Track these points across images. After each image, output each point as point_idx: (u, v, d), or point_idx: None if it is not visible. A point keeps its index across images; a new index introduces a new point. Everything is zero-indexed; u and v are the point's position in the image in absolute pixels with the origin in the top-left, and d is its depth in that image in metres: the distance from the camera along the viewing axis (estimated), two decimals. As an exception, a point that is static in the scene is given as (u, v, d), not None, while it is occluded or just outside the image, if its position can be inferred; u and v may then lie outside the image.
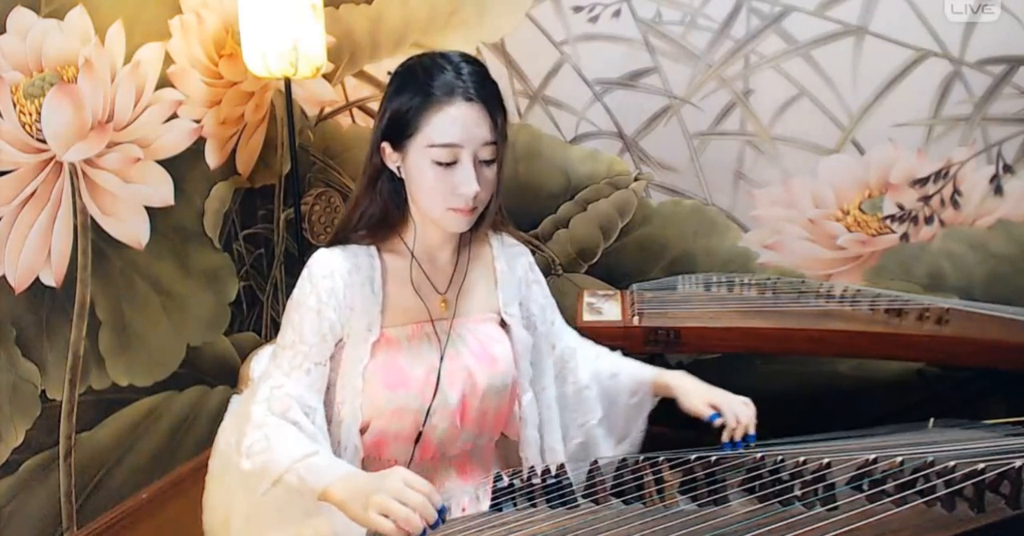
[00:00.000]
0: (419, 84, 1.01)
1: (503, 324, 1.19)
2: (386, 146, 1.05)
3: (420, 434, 1.10)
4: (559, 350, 1.27)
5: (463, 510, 1.12)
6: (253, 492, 1.03)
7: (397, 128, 1.03)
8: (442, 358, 1.10)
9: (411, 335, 1.11)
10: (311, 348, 1.06)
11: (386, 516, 0.84)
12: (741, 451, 1.04)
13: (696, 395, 1.16)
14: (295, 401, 1.05)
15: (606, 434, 1.26)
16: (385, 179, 1.09)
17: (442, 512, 0.86)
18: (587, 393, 1.25)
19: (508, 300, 1.19)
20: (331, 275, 1.06)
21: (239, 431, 1.08)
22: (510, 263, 1.21)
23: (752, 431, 1.10)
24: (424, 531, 0.84)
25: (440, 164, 1.01)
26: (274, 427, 1.02)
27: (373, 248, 1.11)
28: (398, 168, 1.06)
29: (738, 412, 1.11)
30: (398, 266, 1.12)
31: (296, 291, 1.09)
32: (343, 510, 0.91)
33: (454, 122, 0.99)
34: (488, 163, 1.03)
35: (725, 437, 1.10)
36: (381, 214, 1.10)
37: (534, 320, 1.24)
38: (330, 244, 1.11)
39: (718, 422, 1.11)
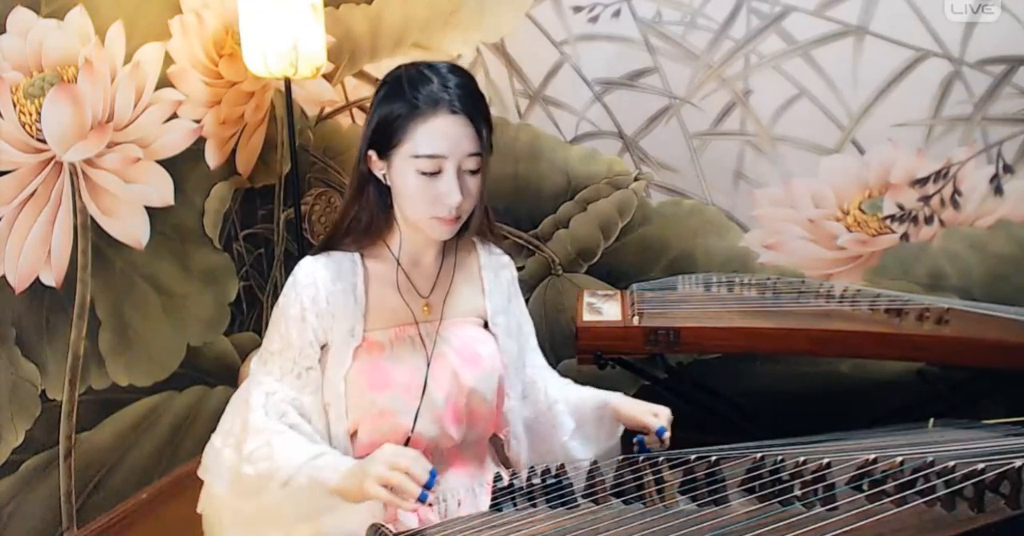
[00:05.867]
0: (405, 95, 1.02)
1: (486, 327, 1.20)
2: (372, 154, 1.07)
3: (409, 439, 1.11)
4: (529, 368, 1.28)
5: (459, 504, 1.12)
6: (254, 496, 1.04)
7: (383, 137, 1.05)
8: (429, 362, 1.11)
9: (394, 338, 1.12)
10: (299, 354, 1.09)
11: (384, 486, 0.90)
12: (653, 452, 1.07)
13: (635, 406, 1.19)
14: (290, 405, 1.07)
15: (581, 445, 1.25)
16: (372, 186, 1.11)
17: (432, 474, 0.91)
18: (558, 407, 1.25)
19: (496, 310, 1.21)
20: (313, 283, 1.09)
21: (236, 436, 1.08)
22: (497, 273, 1.23)
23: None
24: (423, 495, 0.89)
25: (424, 174, 1.02)
26: (275, 432, 1.04)
27: (357, 254, 1.13)
28: (383, 176, 1.08)
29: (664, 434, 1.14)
30: (381, 271, 1.14)
31: (281, 299, 1.11)
32: (346, 497, 0.96)
33: (438, 134, 1.01)
34: (472, 173, 1.05)
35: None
36: (368, 220, 1.12)
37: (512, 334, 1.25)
38: (316, 252, 1.13)
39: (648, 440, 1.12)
